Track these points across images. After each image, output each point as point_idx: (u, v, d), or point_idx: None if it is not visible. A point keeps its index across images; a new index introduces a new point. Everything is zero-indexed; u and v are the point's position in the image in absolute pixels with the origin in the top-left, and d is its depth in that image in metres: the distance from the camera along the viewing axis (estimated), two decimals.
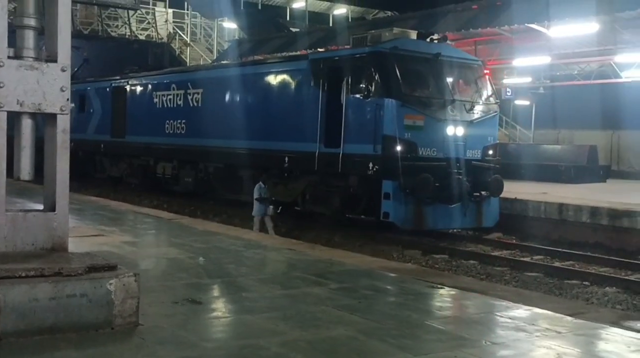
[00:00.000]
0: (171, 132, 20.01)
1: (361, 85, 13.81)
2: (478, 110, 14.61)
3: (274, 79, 16.55)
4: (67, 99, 4.84)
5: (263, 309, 5.72)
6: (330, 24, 36.03)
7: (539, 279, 11.37)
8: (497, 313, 6.13)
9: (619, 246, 14.32)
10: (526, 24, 22.48)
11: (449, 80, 14.49)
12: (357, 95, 13.91)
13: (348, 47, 15.60)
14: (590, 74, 32.70)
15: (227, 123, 17.62)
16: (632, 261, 12.68)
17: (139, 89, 22.42)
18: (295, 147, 15.37)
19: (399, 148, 13.28)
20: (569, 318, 5.94)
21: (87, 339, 4.54)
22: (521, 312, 6.17)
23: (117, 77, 24.03)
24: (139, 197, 21.25)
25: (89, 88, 25.45)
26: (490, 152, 14.59)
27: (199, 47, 36.72)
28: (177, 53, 35.78)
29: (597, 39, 26.34)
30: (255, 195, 14.31)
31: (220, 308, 5.96)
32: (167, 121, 20.19)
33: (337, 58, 14.98)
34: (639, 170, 31.31)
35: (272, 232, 13.78)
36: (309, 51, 17.15)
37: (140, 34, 36.01)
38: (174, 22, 36.81)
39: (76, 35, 30.88)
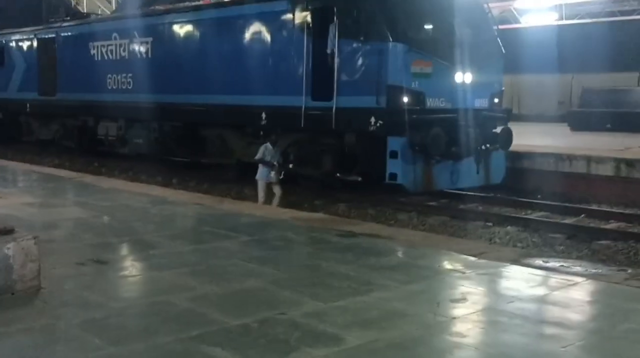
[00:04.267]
0: (115, 87, 17.66)
1: (358, 27, 12.08)
2: (484, 52, 13.25)
3: (245, 23, 14.33)
4: None
5: (172, 265, 5.65)
6: None
7: (445, 222, 11.71)
8: (405, 257, 6.29)
9: (520, 187, 14.90)
10: None
11: (455, 18, 12.97)
12: (353, 39, 12.20)
13: None
14: None
15: (188, 75, 15.60)
16: (531, 201, 13.23)
17: (71, 39, 19.70)
18: (275, 101, 13.50)
19: (405, 99, 11.77)
20: (473, 258, 6.17)
21: None
22: (428, 255, 6.35)
23: (42, 27, 21.01)
24: (39, 156, 20.42)
25: (6, 41, 22.72)
26: (497, 100, 13.42)
27: None
28: (73, 4, 34.16)
29: None
30: (258, 156, 12.41)
31: (127, 267, 5.85)
32: (110, 75, 17.81)
33: None
34: (537, 114, 32.54)
35: (276, 202, 12.19)
36: None
37: None
38: None
39: None
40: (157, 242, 6.55)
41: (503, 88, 13.80)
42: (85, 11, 33.56)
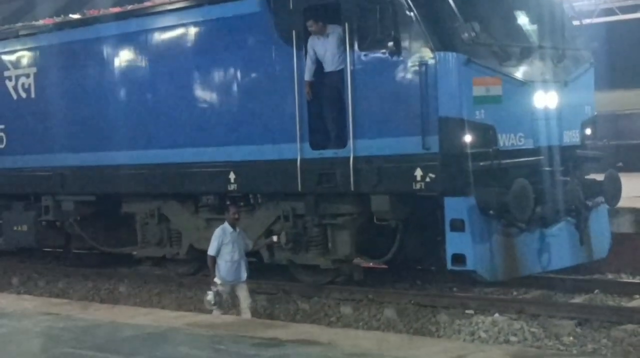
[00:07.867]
0: None
1: (383, 32, 11.19)
2: (569, 62, 12.68)
3: (193, 36, 13.48)
4: None
5: None
6: None
7: (407, 313, 11.71)
8: None
9: None
10: None
11: (523, 14, 12.61)
12: (375, 50, 11.44)
13: None
14: None
15: (101, 122, 14.64)
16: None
17: None
18: (250, 154, 12.71)
19: (468, 138, 11.04)
20: None
21: None
22: None
23: None
24: None
25: None
26: (589, 131, 12.83)
27: None
28: None
29: None
30: (212, 249, 11.44)
31: None
32: None
33: None
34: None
35: (247, 313, 11.44)
36: None
37: None
38: None
39: None
40: None
41: (596, 112, 13.28)
42: None
